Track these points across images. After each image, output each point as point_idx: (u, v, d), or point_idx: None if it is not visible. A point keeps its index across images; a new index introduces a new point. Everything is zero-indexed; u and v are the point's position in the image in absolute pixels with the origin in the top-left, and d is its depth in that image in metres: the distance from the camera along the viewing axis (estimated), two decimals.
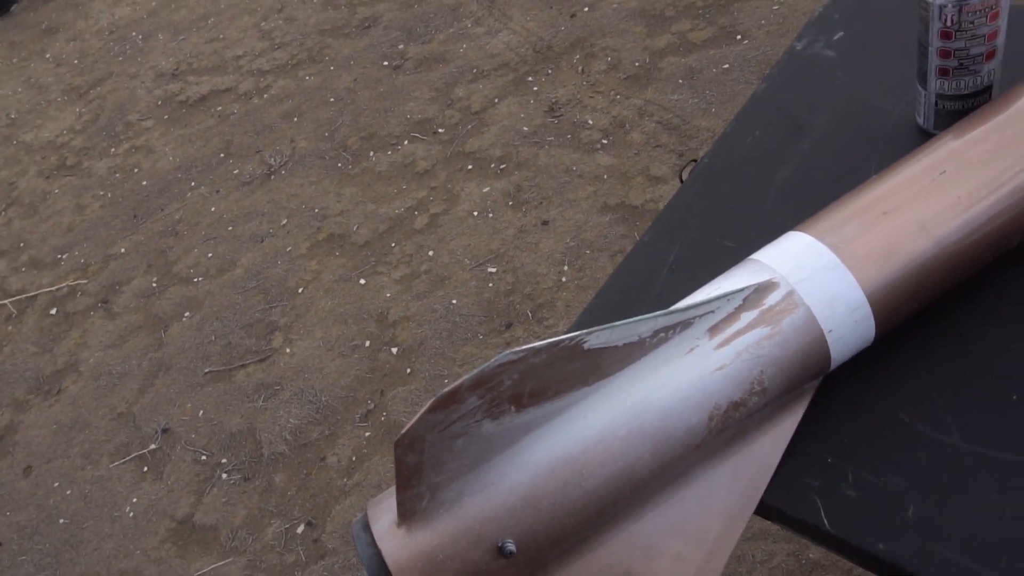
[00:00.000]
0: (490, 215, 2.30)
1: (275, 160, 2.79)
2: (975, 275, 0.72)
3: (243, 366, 2.20)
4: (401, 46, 3.05)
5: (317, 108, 2.94)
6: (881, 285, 0.62)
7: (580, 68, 2.60)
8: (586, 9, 2.79)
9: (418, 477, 0.51)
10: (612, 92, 2.47)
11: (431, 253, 2.27)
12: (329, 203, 2.55)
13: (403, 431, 0.47)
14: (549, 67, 2.66)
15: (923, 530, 0.61)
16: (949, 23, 0.75)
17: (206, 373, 2.23)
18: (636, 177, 2.20)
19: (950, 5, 0.74)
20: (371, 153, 2.66)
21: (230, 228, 2.62)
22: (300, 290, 2.32)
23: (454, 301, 2.12)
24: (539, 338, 1.94)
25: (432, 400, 0.47)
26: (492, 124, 2.56)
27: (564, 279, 2.06)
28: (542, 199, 2.27)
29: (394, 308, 2.17)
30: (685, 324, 0.58)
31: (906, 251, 0.62)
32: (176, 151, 3.06)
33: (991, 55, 0.77)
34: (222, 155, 2.93)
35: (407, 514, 0.53)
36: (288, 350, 2.18)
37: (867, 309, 0.61)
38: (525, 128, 2.49)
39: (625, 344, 0.55)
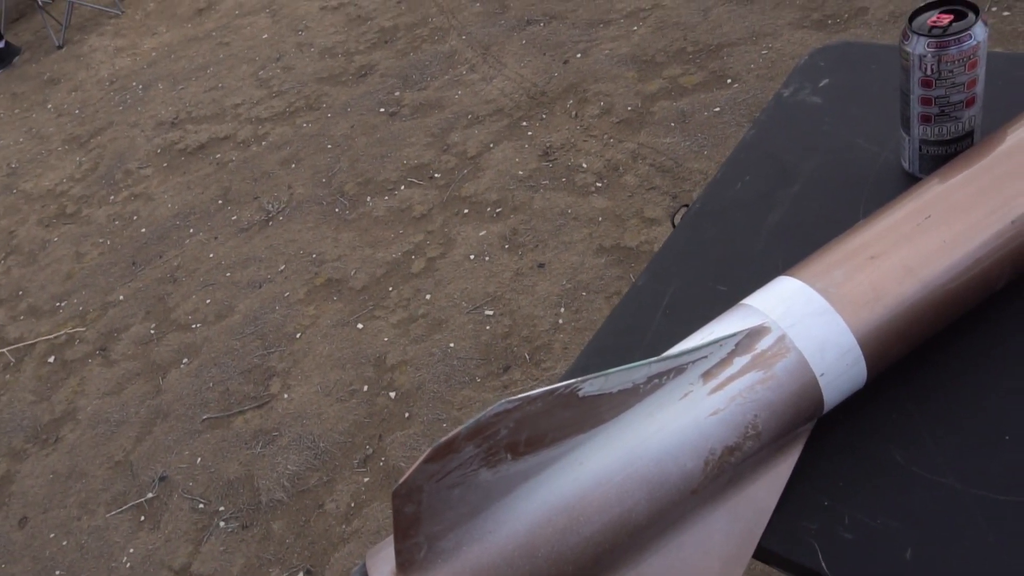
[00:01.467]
0: (486, 259, 2.31)
1: (273, 206, 2.82)
2: (963, 317, 0.73)
3: (241, 412, 2.19)
4: (397, 93, 3.10)
5: (315, 155, 2.97)
6: (871, 328, 0.63)
7: (574, 113, 2.64)
8: (579, 55, 2.85)
9: (416, 527, 0.52)
10: (605, 136, 2.51)
11: (428, 297, 2.28)
12: (327, 248, 2.57)
13: (400, 481, 0.48)
14: (543, 112, 2.70)
15: (921, 572, 0.61)
16: (929, 72, 0.77)
17: (204, 420, 2.22)
18: (631, 219, 2.22)
19: (929, 55, 0.76)
20: (368, 198, 2.69)
21: (228, 274, 2.63)
22: (298, 335, 2.33)
23: (451, 345, 2.13)
24: (537, 381, 1.95)
25: (429, 450, 0.47)
26: (487, 169, 2.59)
27: (561, 321, 2.07)
28: (538, 242, 2.29)
29: (392, 352, 2.17)
30: (679, 370, 0.59)
31: (894, 294, 0.63)
32: (175, 198, 3.08)
33: (971, 102, 0.79)
34: (220, 202, 2.96)
35: (406, 564, 0.53)
36: (286, 396, 2.18)
37: (858, 352, 0.62)
38: (520, 172, 2.52)
39: (620, 391, 0.56)
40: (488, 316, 2.16)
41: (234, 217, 2.85)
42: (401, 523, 0.51)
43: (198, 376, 2.34)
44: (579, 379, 0.52)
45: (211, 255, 2.74)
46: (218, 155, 3.20)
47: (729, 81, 2.47)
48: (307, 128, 3.12)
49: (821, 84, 1.04)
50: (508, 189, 2.49)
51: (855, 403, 0.71)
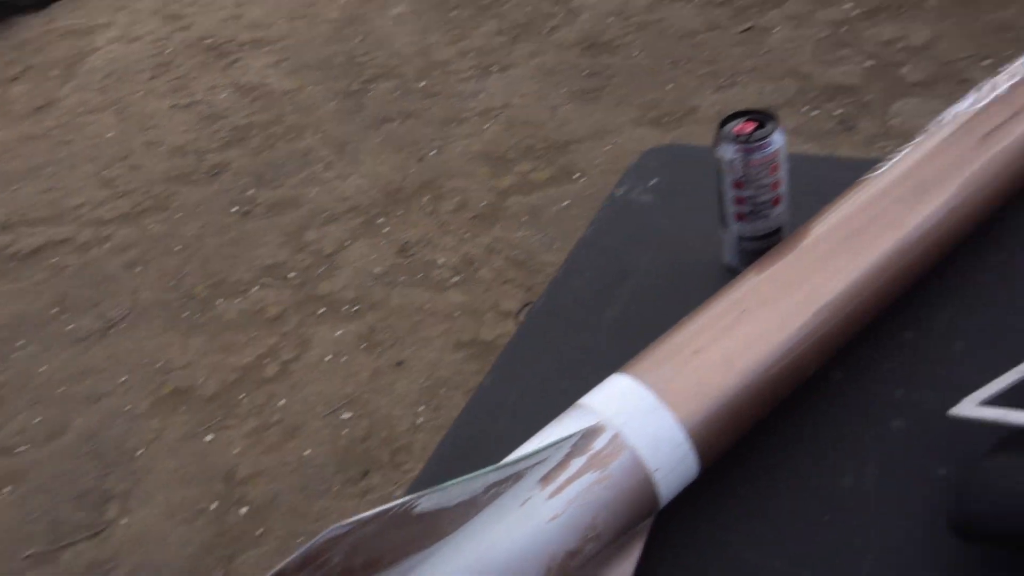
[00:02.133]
0: (343, 359, 2.27)
1: (115, 313, 2.66)
2: (784, 403, 0.78)
3: (72, 544, 2.00)
4: (251, 192, 3.05)
5: (162, 257, 2.85)
6: (699, 422, 0.65)
7: (430, 209, 2.68)
8: (433, 153, 2.91)
9: None
10: (461, 231, 2.55)
11: (283, 402, 2.19)
12: (174, 356, 2.44)
13: None
14: (400, 209, 2.73)
15: None
16: (738, 175, 0.83)
17: (26, 557, 2.01)
18: (487, 313, 2.24)
19: (737, 160, 0.82)
20: (219, 301, 2.59)
21: (61, 389, 2.44)
22: (140, 452, 2.18)
23: (307, 452, 2.05)
24: (397, 485, 1.89)
25: None
26: (344, 267, 2.56)
27: (420, 420, 2.04)
28: (396, 340, 2.27)
29: (243, 464, 2.06)
30: (517, 476, 0.58)
31: (717, 386, 0.66)
32: (1, 309, 2.86)
33: (777, 201, 0.86)
34: (55, 310, 2.77)
35: None
36: (125, 521, 2.01)
37: (688, 446, 0.64)
38: (377, 269, 2.52)
39: (458, 503, 0.55)
40: (345, 419, 2.10)
41: (70, 326, 2.67)
42: None
43: (22, 506, 2.13)
44: (414, 496, 0.51)
45: (42, 369, 2.54)
46: (54, 259, 3.01)
47: (576, 176, 2.58)
48: (154, 229, 3.00)
49: (651, 183, 1.10)
50: (365, 286, 2.47)
51: (693, 493, 0.73)
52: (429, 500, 0.52)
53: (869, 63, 2.57)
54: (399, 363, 2.20)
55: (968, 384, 0.74)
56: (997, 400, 0.67)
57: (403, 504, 0.51)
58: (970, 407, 0.67)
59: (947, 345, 0.79)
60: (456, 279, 2.39)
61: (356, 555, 0.49)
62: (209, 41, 4.22)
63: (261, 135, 3.35)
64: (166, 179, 3.26)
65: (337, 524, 0.46)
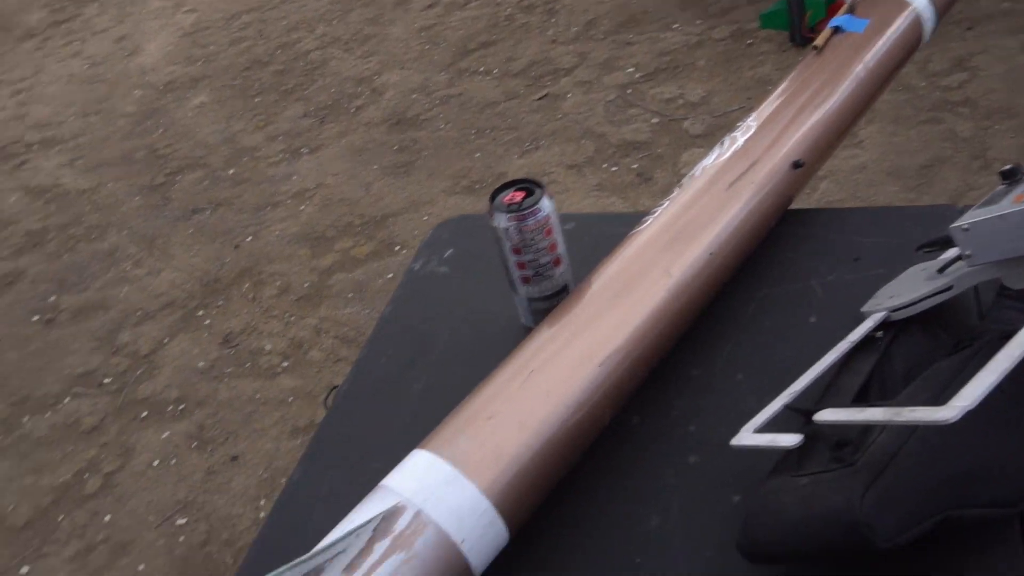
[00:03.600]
0: (173, 462, 2.14)
1: None
2: (587, 453, 0.82)
3: None
4: (53, 298, 2.85)
5: None
6: (499, 487, 0.67)
7: (251, 296, 2.61)
8: (249, 239, 2.84)
9: None
10: (286, 315, 2.50)
11: (108, 518, 2.04)
12: None
13: None
14: (219, 299, 2.63)
15: None
16: (516, 241, 0.88)
17: None
18: (321, 394, 2.20)
19: (512, 227, 0.87)
20: (25, 419, 2.39)
21: None
22: None
23: (142, 567, 1.91)
24: None
25: None
26: (164, 365, 2.44)
27: (263, 515, 1.96)
28: (228, 434, 2.17)
29: None
30: (316, 571, 0.58)
31: (513, 450, 0.68)
32: None
33: (558, 262, 0.91)
34: None
35: None
36: None
37: (493, 513, 0.66)
38: (201, 363, 2.41)
39: None
40: (181, 526, 1.98)
41: None
42: None
43: None
44: None
45: None
46: None
47: (398, 248, 2.60)
48: None
49: (446, 255, 1.14)
50: (190, 383, 2.36)
51: (508, 558, 0.75)
52: None
53: (655, 120, 2.78)
54: (234, 458, 2.10)
55: (751, 412, 0.81)
56: (769, 426, 0.73)
57: None
58: (747, 436, 0.73)
59: (730, 377, 0.86)
60: (286, 364, 2.33)
61: None
62: None
63: (59, 237, 3.15)
64: None
65: None
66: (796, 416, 0.73)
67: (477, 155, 2.89)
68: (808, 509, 0.58)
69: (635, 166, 2.61)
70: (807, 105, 0.99)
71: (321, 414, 2.15)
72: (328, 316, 2.44)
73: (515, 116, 3.03)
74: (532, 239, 0.87)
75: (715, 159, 0.96)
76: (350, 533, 0.60)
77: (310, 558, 0.57)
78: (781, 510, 0.61)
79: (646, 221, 0.92)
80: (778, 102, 1.01)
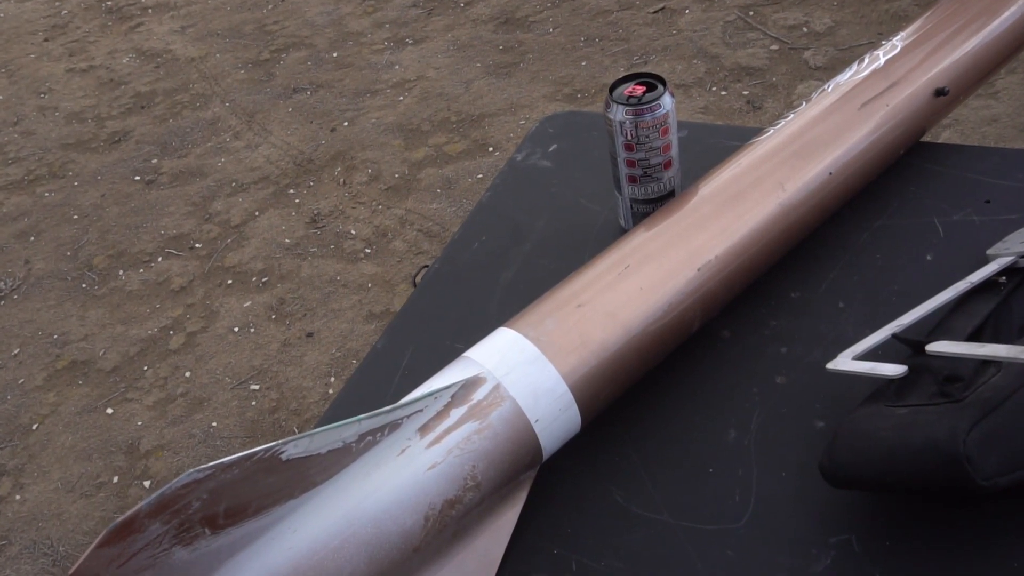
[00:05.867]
0: (252, 330, 2.22)
1: (5, 284, 2.53)
2: (668, 358, 0.80)
3: None
4: (155, 160, 2.93)
5: (58, 226, 2.73)
6: (580, 374, 0.66)
7: (342, 180, 2.64)
8: (346, 124, 2.86)
9: None
10: (374, 202, 2.52)
11: (188, 374, 2.13)
12: (71, 328, 2.34)
13: (72, 570, 0.43)
14: (311, 180, 2.67)
15: None
16: (629, 137, 0.84)
17: None
18: (400, 284, 2.23)
19: (628, 122, 0.83)
20: (120, 272, 2.50)
21: None
22: (35, 426, 2.09)
23: (214, 424, 2.00)
24: None
25: (104, 532, 0.43)
26: (253, 237, 2.50)
27: (331, 391, 2.02)
28: (306, 311, 2.23)
29: (147, 437, 2.00)
30: (393, 426, 0.58)
31: (599, 340, 0.67)
32: None
33: (668, 164, 0.87)
34: None
35: None
36: (18, 497, 1.93)
37: (569, 398, 0.65)
38: (287, 240, 2.46)
39: (330, 451, 0.54)
40: (254, 391, 2.06)
41: None
42: None
43: None
44: (281, 441, 0.50)
45: None
46: None
47: (491, 149, 2.57)
48: (49, 198, 2.86)
49: (551, 149, 1.11)
50: (274, 258, 2.42)
51: (578, 449, 0.75)
52: (296, 446, 0.51)
53: (774, 47, 2.64)
54: (309, 334, 2.16)
55: (848, 341, 0.78)
56: (870, 355, 0.70)
57: (269, 449, 0.50)
58: (845, 361, 0.70)
59: (830, 304, 0.82)
60: (368, 250, 2.36)
61: (218, 501, 0.48)
62: (109, 3, 4.03)
63: (166, 102, 3.22)
64: (62, 146, 3.11)
65: (196, 468, 0.45)
66: (898, 349, 0.70)
67: (583, 63, 2.81)
68: (906, 437, 0.55)
69: (746, 92, 2.50)
70: (963, 28, 0.91)
71: (397, 304, 2.18)
72: (414, 208, 2.45)
73: (627, 27, 2.91)
74: (647, 136, 0.83)
75: (850, 76, 0.89)
76: (429, 395, 0.60)
77: (390, 411, 0.57)
78: (874, 436, 0.58)
79: (766, 132, 0.87)
80: (930, 24, 0.93)
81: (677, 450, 0.73)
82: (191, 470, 0.45)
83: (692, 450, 0.73)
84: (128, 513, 0.44)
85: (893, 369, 0.62)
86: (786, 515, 0.66)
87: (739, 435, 0.73)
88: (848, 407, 0.71)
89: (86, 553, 0.42)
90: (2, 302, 2.47)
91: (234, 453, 1.95)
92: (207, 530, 0.49)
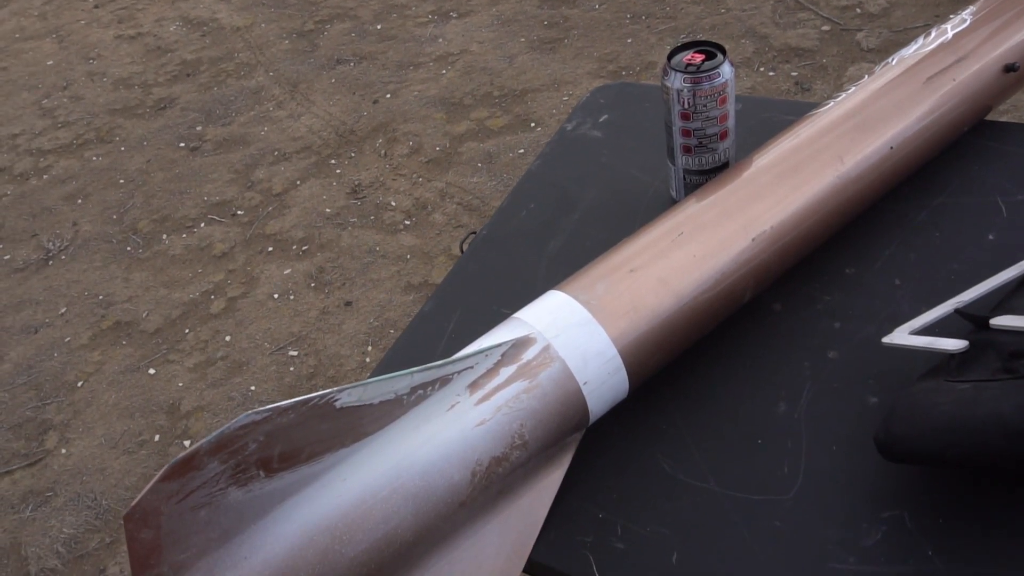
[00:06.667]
0: (291, 297, 2.24)
1: (54, 244, 2.59)
2: (718, 328, 0.79)
3: (8, 472, 1.96)
4: (199, 127, 2.96)
5: (105, 190, 2.77)
6: (630, 338, 0.65)
7: (383, 152, 2.64)
8: (388, 96, 2.86)
9: (157, 555, 0.47)
10: (414, 175, 2.52)
11: (228, 338, 2.16)
12: (116, 289, 2.38)
13: (133, 503, 0.44)
14: (352, 150, 2.68)
15: (686, 574, 0.64)
16: (686, 106, 0.83)
17: None
18: (439, 256, 2.23)
19: (686, 90, 0.82)
20: (164, 236, 2.53)
21: None
22: (80, 384, 2.13)
23: (253, 388, 2.03)
24: None
25: (166, 467, 0.44)
26: (294, 206, 2.52)
27: (368, 360, 2.03)
28: (345, 280, 2.24)
29: (187, 398, 2.03)
30: (444, 381, 0.58)
31: (650, 305, 0.66)
32: None
33: (724, 135, 0.86)
34: None
35: None
36: (64, 451, 1.98)
37: (619, 361, 0.65)
38: (328, 210, 2.48)
39: (382, 402, 0.54)
40: (292, 357, 2.08)
41: (7, 256, 2.59)
42: (138, 551, 0.46)
43: None
44: (335, 389, 0.51)
45: None
46: None
47: (533, 125, 2.56)
48: (97, 162, 2.91)
49: (601, 119, 1.10)
50: (315, 227, 2.43)
51: (625, 413, 0.74)
52: (350, 395, 0.52)
53: (826, 27, 2.58)
54: (348, 303, 2.18)
55: (904, 318, 0.76)
56: (927, 330, 0.68)
57: (324, 396, 0.50)
58: (902, 336, 0.68)
59: (886, 281, 0.81)
60: (408, 222, 2.37)
61: (273, 444, 0.48)
62: None
63: (211, 71, 3.25)
64: (110, 111, 3.15)
65: (254, 410, 0.45)
66: (956, 326, 0.68)
67: (628, 40, 2.78)
68: (968, 412, 0.54)
69: (795, 74, 2.45)
70: None
71: (436, 276, 2.19)
72: (455, 182, 2.45)
73: (674, 5, 2.87)
74: (704, 105, 0.82)
75: (916, 49, 0.87)
76: (480, 352, 0.60)
77: (441, 366, 0.57)
78: (934, 410, 0.57)
79: (827, 104, 0.85)
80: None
81: (725, 420, 0.73)
82: (249, 411, 0.45)
83: (740, 421, 0.72)
84: (189, 449, 0.44)
85: (954, 343, 0.61)
86: (836, 489, 0.65)
87: (789, 408, 0.72)
88: (904, 383, 0.69)
89: (148, 486, 0.43)
90: (51, 262, 2.53)
91: None
92: (262, 472, 0.49)
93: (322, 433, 0.51)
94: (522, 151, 2.47)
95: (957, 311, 0.65)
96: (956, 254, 0.81)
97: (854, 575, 0.60)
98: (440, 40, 3.06)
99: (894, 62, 0.87)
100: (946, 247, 0.82)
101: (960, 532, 0.60)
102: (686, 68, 0.82)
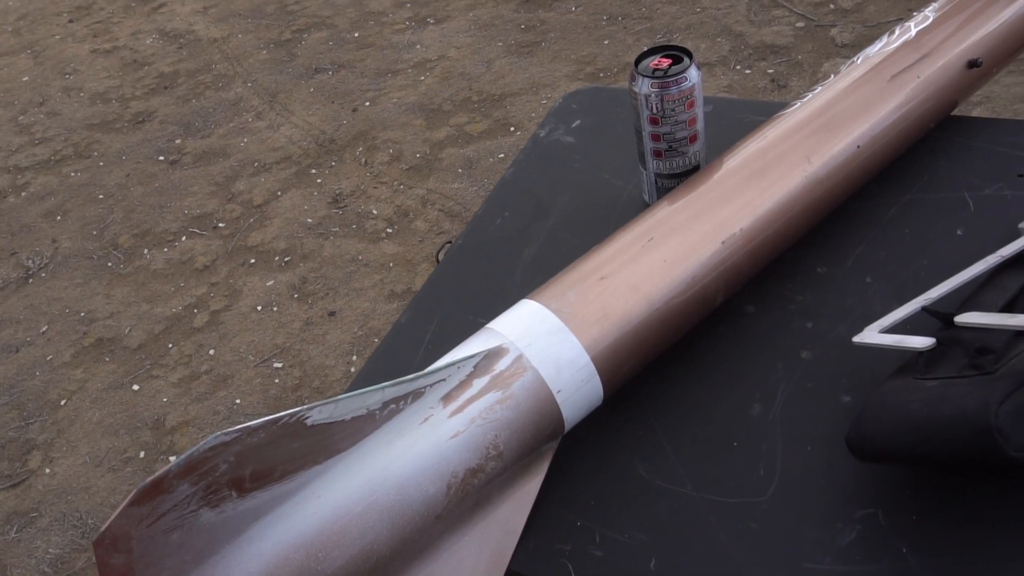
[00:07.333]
0: (275, 309, 2.23)
1: (34, 262, 2.57)
2: (691, 332, 0.79)
3: None
4: (178, 140, 2.95)
5: (84, 205, 2.75)
6: (602, 345, 0.66)
7: (363, 160, 2.64)
8: (367, 104, 2.86)
9: None
10: (395, 182, 2.52)
11: (212, 352, 2.15)
12: (97, 305, 2.37)
13: (102, 529, 0.44)
14: (332, 160, 2.67)
15: None
16: (655, 110, 0.83)
17: None
18: (421, 264, 2.23)
19: (653, 95, 0.82)
20: (145, 251, 2.52)
21: None
22: (63, 402, 2.12)
23: (238, 401, 2.02)
24: None
25: (134, 492, 0.43)
26: (275, 217, 2.51)
27: (353, 369, 2.03)
28: (328, 290, 2.24)
29: (172, 413, 2.02)
30: (417, 394, 0.58)
31: (622, 312, 0.66)
32: None
33: (694, 138, 0.86)
34: None
35: None
36: (48, 470, 1.97)
37: (592, 369, 0.65)
38: (309, 220, 2.47)
39: (354, 418, 0.54)
40: (277, 368, 2.08)
41: None
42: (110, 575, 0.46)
43: None
44: (306, 407, 0.51)
45: None
46: None
47: (512, 129, 2.57)
48: (75, 177, 2.89)
49: (573, 125, 1.10)
50: (297, 237, 2.43)
51: (601, 421, 0.74)
52: (322, 412, 0.52)
53: (800, 24, 2.60)
54: (331, 313, 2.17)
55: (875, 315, 0.77)
56: (897, 328, 0.69)
57: (294, 414, 0.50)
58: (872, 334, 0.69)
59: (857, 279, 0.82)
60: (390, 230, 2.37)
61: (244, 464, 0.48)
62: None
63: (188, 83, 3.24)
64: (87, 126, 3.14)
65: (224, 431, 0.45)
66: (926, 323, 0.69)
67: (605, 42, 2.79)
68: (936, 409, 0.55)
69: (771, 71, 2.46)
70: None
71: (419, 283, 2.19)
72: (436, 188, 2.45)
73: (650, 5, 2.89)
74: (672, 110, 0.82)
75: (880, 47, 0.88)
76: (452, 364, 0.60)
77: (413, 379, 0.58)
78: (903, 408, 0.57)
79: (793, 106, 0.86)
80: None
81: (700, 424, 0.73)
82: (218, 432, 0.45)
83: (715, 424, 0.73)
84: (158, 473, 0.44)
85: (922, 341, 0.61)
86: (811, 489, 0.66)
87: (763, 409, 0.73)
88: (875, 382, 0.70)
89: (117, 511, 0.43)
90: (31, 280, 2.51)
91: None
92: (234, 493, 0.49)
93: (294, 451, 0.51)
94: (502, 156, 2.48)
95: (924, 309, 0.66)
96: (925, 250, 0.82)
97: (830, 575, 0.61)
98: (418, 47, 3.06)
99: (859, 61, 0.88)
100: (916, 243, 0.83)
101: (933, 528, 0.61)
102: (653, 73, 0.83)
